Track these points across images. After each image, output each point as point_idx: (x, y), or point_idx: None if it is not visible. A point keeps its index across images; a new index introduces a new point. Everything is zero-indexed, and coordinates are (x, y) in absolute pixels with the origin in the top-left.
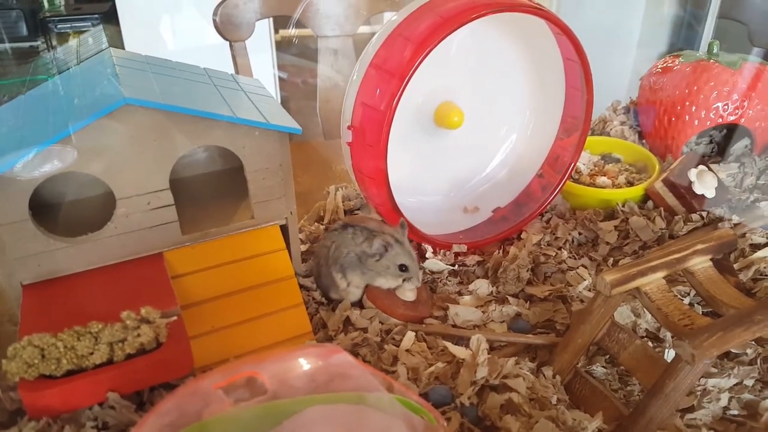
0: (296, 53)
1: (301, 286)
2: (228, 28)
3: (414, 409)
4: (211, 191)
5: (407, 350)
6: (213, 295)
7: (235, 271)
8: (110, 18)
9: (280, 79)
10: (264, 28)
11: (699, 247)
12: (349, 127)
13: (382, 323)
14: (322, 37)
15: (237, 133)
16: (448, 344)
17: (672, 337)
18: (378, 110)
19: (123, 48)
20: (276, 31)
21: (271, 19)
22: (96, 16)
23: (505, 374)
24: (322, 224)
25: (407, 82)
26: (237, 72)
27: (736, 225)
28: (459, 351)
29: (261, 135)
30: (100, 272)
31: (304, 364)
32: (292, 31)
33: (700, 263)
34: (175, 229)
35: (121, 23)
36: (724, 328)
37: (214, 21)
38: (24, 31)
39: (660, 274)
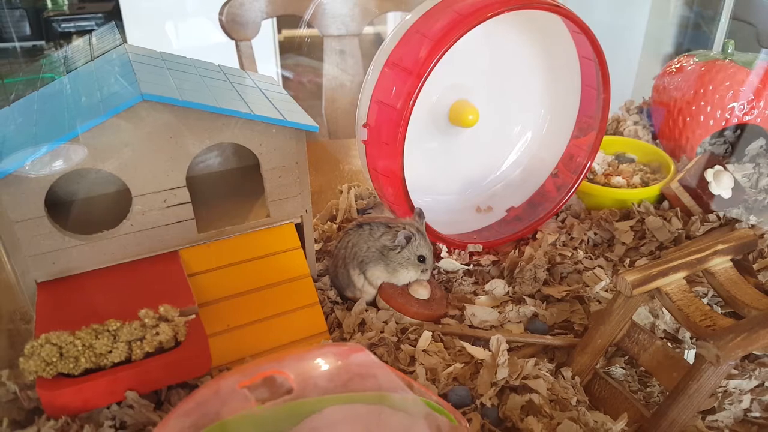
0: (301, 53)
1: (317, 288)
2: (234, 27)
3: (435, 409)
4: (226, 189)
5: (424, 350)
6: (228, 294)
7: (251, 269)
8: (114, 17)
9: (285, 78)
10: (268, 28)
11: (719, 247)
12: (364, 126)
13: (398, 322)
14: (327, 37)
15: (254, 131)
16: (466, 345)
17: (692, 338)
18: (394, 108)
19: None
20: (279, 31)
21: (274, 18)
22: (100, 15)
23: (525, 375)
24: (335, 223)
25: (424, 80)
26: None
27: (753, 226)
28: (478, 352)
29: (278, 132)
30: (116, 270)
31: (326, 363)
32: (303, 31)
33: (721, 264)
34: (191, 227)
35: (125, 22)
36: (749, 329)
37: (220, 20)
38: (27, 30)
39: (681, 275)
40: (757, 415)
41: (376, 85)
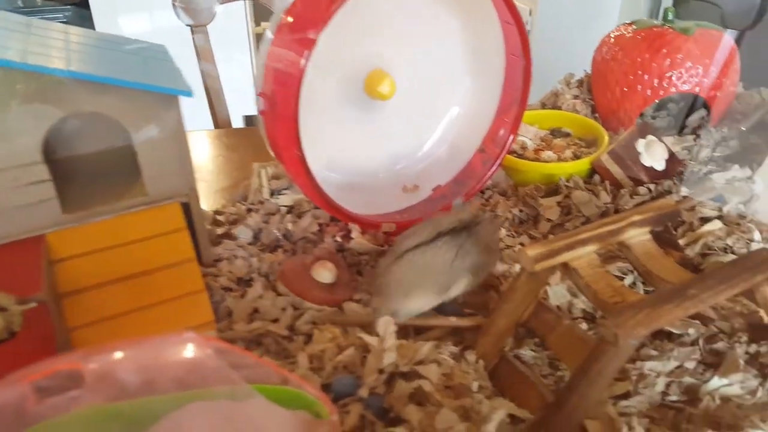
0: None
1: (208, 274)
2: (188, 13)
3: (306, 402)
4: (103, 169)
5: (316, 339)
6: (101, 281)
7: (127, 253)
8: (82, 8)
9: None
10: (242, 18)
11: (635, 218)
12: (260, 94)
13: (297, 308)
14: None
15: (118, 98)
16: (360, 330)
17: (601, 316)
18: (288, 73)
19: None
20: (257, 24)
21: (250, 10)
22: (68, 7)
23: (419, 360)
24: (244, 204)
25: (317, 40)
26: (199, 58)
27: (684, 197)
28: (368, 337)
29: (147, 100)
30: None
31: (136, 356)
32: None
33: (638, 236)
34: (54, 207)
35: (93, 13)
36: (653, 304)
37: (174, 6)
38: None
39: (591, 248)
40: (675, 398)
41: (271, 48)
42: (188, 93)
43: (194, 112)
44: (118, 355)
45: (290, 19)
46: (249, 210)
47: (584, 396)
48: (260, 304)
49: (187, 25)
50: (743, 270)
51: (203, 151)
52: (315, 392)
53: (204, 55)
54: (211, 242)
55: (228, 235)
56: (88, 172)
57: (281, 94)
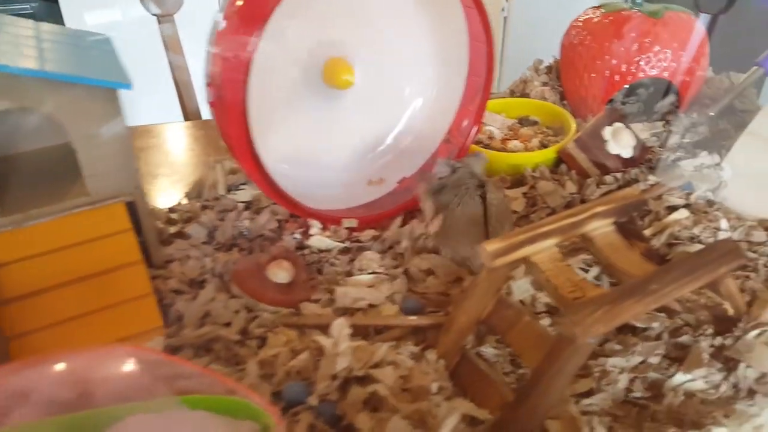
0: None
1: (158, 276)
2: (154, 1)
3: (253, 412)
4: (45, 169)
5: (270, 343)
6: (42, 287)
7: (69, 257)
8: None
9: None
10: (212, 9)
11: (598, 209)
12: (209, 84)
13: (251, 310)
14: None
15: (51, 92)
16: (317, 332)
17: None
18: (236, 62)
19: None
20: None
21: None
22: None
23: (376, 362)
24: (198, 201)
25: (266, 25)
26: (167, 49)
27: (652, 186)
28: (323, 339)
29: (84, 93)
30: None
31: (62, 372)
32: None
33: (601, 227)
34: None
35: (61, 4)
36: (613, 300)
37: None
38: None
39: (552, 242)
40: (639, 395)
41: (218, 35)
42: (127, 86)
43: (165, 106)
44: (39, 372)
45: (240, 2)
46: (204, 207)
47: (544, 395)
48: (212, 306)
49: (154, 15)
50: (707, 262)
51: (171, 144)
52: (261, 402)
53: (172, 46)
54: (161, 242)
55: (181, 234)
56: (26, 173)
57: (230, 83)
